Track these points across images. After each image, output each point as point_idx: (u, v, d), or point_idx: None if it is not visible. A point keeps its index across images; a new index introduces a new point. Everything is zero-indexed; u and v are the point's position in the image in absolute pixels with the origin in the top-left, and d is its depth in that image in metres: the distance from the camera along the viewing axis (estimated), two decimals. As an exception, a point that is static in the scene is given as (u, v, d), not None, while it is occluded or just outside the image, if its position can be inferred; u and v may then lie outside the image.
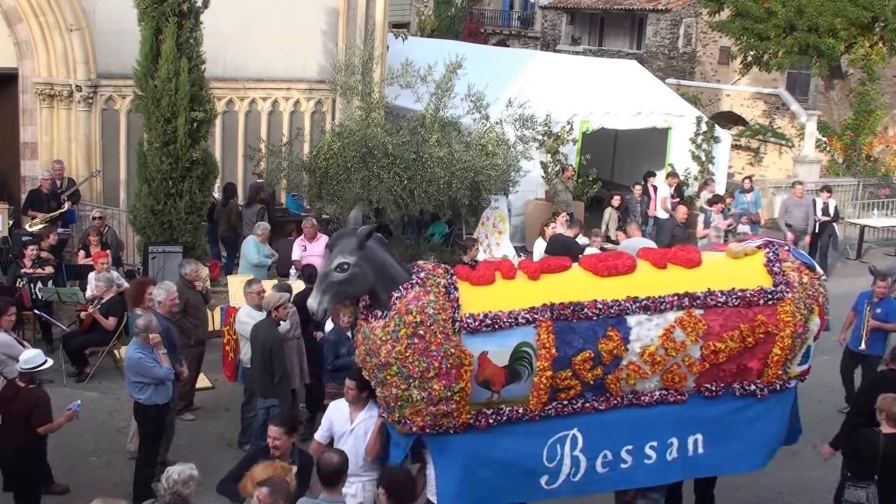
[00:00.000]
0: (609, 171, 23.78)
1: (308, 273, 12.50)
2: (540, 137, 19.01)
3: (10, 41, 17.12)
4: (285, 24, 18.51)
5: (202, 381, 12.78)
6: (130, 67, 14.74)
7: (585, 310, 8.21)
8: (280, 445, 7.63)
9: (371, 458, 8.34)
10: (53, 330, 13.61)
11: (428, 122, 17.22)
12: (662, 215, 19.25)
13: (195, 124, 14.29)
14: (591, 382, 8.28)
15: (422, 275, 8.07)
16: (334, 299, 8.00)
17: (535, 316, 8.08)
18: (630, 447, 8.54)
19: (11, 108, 17.57)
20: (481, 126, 17.65)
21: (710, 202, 18.46)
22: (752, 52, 31.77)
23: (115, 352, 13.19)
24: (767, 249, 9.12)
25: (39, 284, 13.54)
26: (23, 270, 13.73)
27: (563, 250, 13.31)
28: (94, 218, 15.59)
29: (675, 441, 8.62)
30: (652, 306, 8.37)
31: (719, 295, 8.52)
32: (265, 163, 17.93)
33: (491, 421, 8.14)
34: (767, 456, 9.11)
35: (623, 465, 8.50)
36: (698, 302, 8.47)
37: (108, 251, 14.40)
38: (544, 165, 19.43)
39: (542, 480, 8.30)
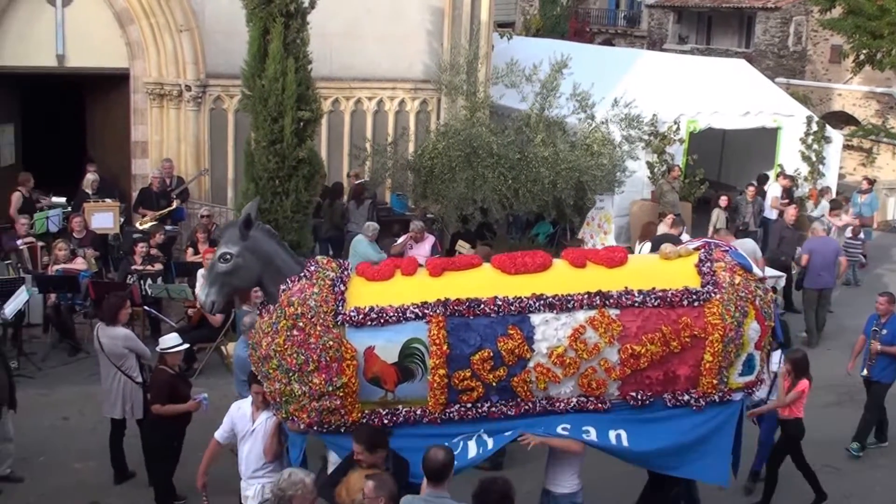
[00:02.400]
0: (716, 171, 23.23)
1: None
2: (646, 137, 18.66)
3: (122, 42, 17.50)
4: (391, 24, 18.54)
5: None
6: (238, 67, 14.86)
7: (483, 306, 7.80)
8: (363, 460, 7.39)
9: (269, 457, 8.23)
10: (162, 326, 13.81)
11: (533, 121, 17.11)
12: (772, 216, 18.76)
13: (301, 123, 14.33)
14: (495, 384, 7.86)
15: (312, 268, 7.93)
16: (221, 291, 7.89)
17: (426, 311, 7.74)
18: (539, 431, 8.01)
19: (123, 107, 17.96)
20: (587, 126, 17.46)
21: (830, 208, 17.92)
22: (864, 51, 30.72)
23: (223, 348, 13.31)
24: (702, 250, 8.61)
25: (149, 281, 13.79)
26: (133, 267, 14.00)
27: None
28: (202, 216, 15.81)
29: (591, 429, 8.01)
30: (558, 304, 7.87)
31: (636, 294, 7.98)
32: (370, 162, 17.99)
33: (386, 421, 7.84)
34: (725, 468, 8.37)
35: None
36: (612, 301, 7.93)
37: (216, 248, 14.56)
38: (650, 165, 19.02)
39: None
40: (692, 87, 20.39)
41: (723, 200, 18.26)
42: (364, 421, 7.78)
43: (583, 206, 17.77)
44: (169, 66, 17.46)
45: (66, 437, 11.47)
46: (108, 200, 16.01)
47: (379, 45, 18.52)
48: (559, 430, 7.93)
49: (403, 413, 7.85)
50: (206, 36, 17.35)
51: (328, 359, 7.53)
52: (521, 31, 37.71)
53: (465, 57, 17.85)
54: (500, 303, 7.82)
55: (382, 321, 7.69)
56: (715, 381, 8.09)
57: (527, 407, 7.98)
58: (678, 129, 19.33)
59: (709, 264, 8.30)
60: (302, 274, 7.85)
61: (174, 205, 16.35)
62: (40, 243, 14.75)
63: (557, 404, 8.01)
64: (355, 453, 7.40)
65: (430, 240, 14.98)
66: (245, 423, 8.41)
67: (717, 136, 21.77)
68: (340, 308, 7.71)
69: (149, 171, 17.50)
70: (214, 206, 17.00)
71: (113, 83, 18.04)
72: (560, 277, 8.11)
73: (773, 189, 19.32)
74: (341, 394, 7.61)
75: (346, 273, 8.03)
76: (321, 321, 7.58)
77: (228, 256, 7.78)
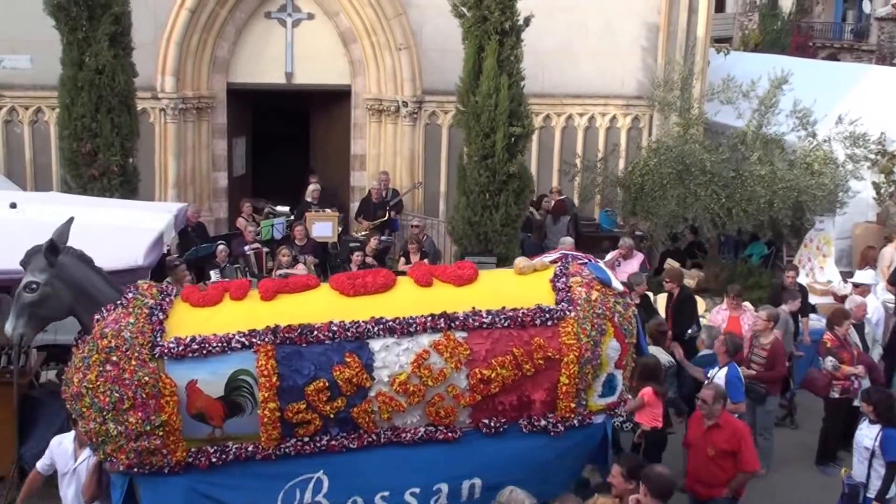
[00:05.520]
0: (952, 194, 21.79)
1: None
2: (872, 157, 17.76)
3: (346, 60, 18.35)
4: (603, 41, 18.56)
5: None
6: (453, 84, 15.28)
7: (316, 332, 7.25)
8: (616, 485, 7.31)
9: (86, 498, 7.59)
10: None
11: (749, 138, 16.72)
12: None
13: (513, 139, 14.55)
14: (333, 416, 7.33)
15: (129, 295, 7.35)
16: (30, 323, 7.23)
17: (253, 340, 7.17)
18: (386, 493, 7.45)
19: (344, 122, 18.81)
20: (807, 144, 16.84)
21: None
22: None
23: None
24: (559, 264, 8.01)
25: (364, 288, 14.28)
26: (349, 275, 14.55)
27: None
28: (413, 226, 16.30)
29: (443, 487, 7.48)
30: (399, 328, 7.34)
31: (484, 315, 7.46)
32: (580, 178, 18.05)
33: (214, 459, 7.27)
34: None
35: None
36: (458, 323, 7.42)
37: (426, 259, 14.98)
38: (877, 186, 18.09)
39: None
40: (926, 104, 19.29)
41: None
42: (189, 460, 7.27)
43: (800, 228, 17.14)
44: (388, 82, 18.12)
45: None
46: (328, 210, 16.73)
47: (591, 62, 18.58)
48: (407, 496, 7.51)
49: (234, 450, 7.32)
50: (423, 54, 17.93)
51: (144, 395, 6.97)
52: (739, 46, 36.78)
53: (680, 73, 17.65)
54: (336, 328, 7.30)
55: (205, 352, 7.13)
56: (573, 405, 7.67)
57: (370, 439, 7.51)
58: (909, 148, 18.35)
59: (564, 279, 7.84)
60: (118, 302, 7.30)
61: (387, 216, 16.90)
62: (265, 249, 15.58)
63: (403, 435, 7.55)
64: (612, 475, 7.34)
65: (638, 257, 14.87)
66: (66, 460, 7.79)
67: (954, 155, 20.46)
68: (158, 339, 7.14)
69: (366, 183, 18.26)
70: (426, 218, 17.49)
71: (335, 99, 18.92)
72: (403, 298, 7.66)
73: None
74: (161, 433, 7.07)
75: (167, 300, 7.49)
76: (137, 354, 7.01)
77: (35, 286, 7.14)
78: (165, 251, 13.19)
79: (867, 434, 9.11)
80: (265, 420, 7.19)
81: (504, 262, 14.79)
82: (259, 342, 7.18)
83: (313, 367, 7.23)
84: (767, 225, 16.78)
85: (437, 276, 7.91)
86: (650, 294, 13.71)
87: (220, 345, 7.16)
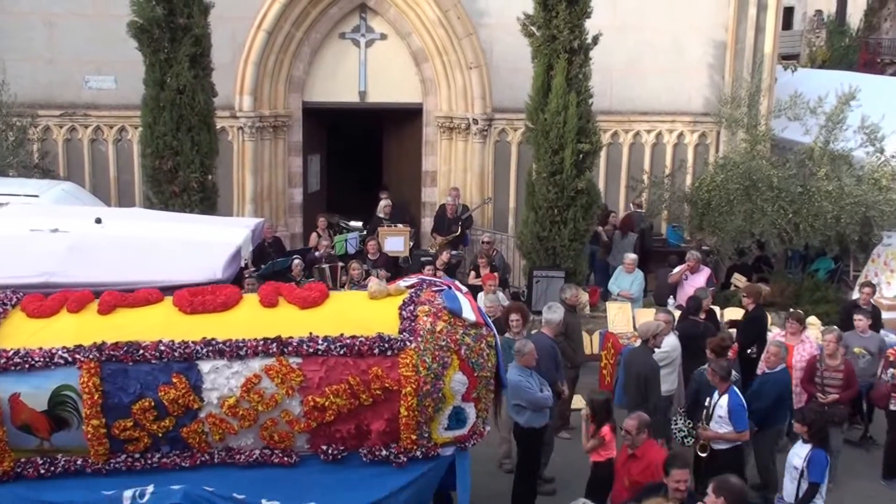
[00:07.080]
0: None
1: (690, 305, 12.56)
2: (941, 172, 17.69)
3: (417, 79, 18.80)
4: (671, 58, 18.73)
5: (578, 402, 13.19)
6: (522, 102, 15.60)
7: (143, 351, 7.13)
8: (684, 489, 7.39)
9: None
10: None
11: (816, 154, 16.74)
12: None
13: (581, 156, 14.83)
14: (162, 435, 7.26)
15: None
16: None
17: (77, 356, 7.08)
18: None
19: (416, 139, 19.24)
20: (875, 159, 16.82)
21: None
22: None
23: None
24: (413, 289, 7.78)
25: (434, 302, 14.63)
26: (420, 288, 14.90)
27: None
28: (483, 242, 16.63)
29: None
30: (229, 351, 7.18)
31: (319, 342, 7.24)
32: (647, 194, 18.22)
33: (43, 471, 7.28)
34: None
35: None
36: (291, 349, 7.22)
37: (496, 273, 15.28)
38: (945, 202, 18.01)
39: None
40: None
41: None
42: (18, 470, 7.31)
43: (868, 243, 17.11)
44: (458, 100, 18.51)
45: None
46: (399, 226, 17.13)
47: (659, 79, 18.76)
48: None
49: (63, 462, 7.33)
50: (493, 72, 18.27)
51: None
52: (807, 62, 36.59)
53: (747, 90, 17.75)
54: (164, 348, 7.17)
55: (28, 366, 7.09)
56: (414, 437, 7.42)
57: (203, 458, 7.43)
58: (978, 163, 18.19)
59: (412, 307, 7.55)
60: None
61: (458, 231, 17.25)
62: (340, 263, 16.00)
63: (238, 456, 7.46)
64: (681, 482, 7.39)
65: (705, 272, 15.01)
66: None
67: None
68: None
69: (437, 198, 18.66)
70: (496, 233, 17.81)
71: (407, 117, 19.34)
72: (242, 319, 7.50)
73: None
74: None
75: (1, 310, 7.47)
76: None
77: None
78: (243, 265, 13.68)
79: (797, 453, 9.05)
80: (89, 436, 7.22)
81: (572, 276, 15.09)
82: (83, 359, 7.13)
83: (139, 386, 7.18)
84: (834, 240, 16.78)
85: (284, 296, 7.76)
86: (716, 308, 13.88)
87: (43, 359, 7.13)
